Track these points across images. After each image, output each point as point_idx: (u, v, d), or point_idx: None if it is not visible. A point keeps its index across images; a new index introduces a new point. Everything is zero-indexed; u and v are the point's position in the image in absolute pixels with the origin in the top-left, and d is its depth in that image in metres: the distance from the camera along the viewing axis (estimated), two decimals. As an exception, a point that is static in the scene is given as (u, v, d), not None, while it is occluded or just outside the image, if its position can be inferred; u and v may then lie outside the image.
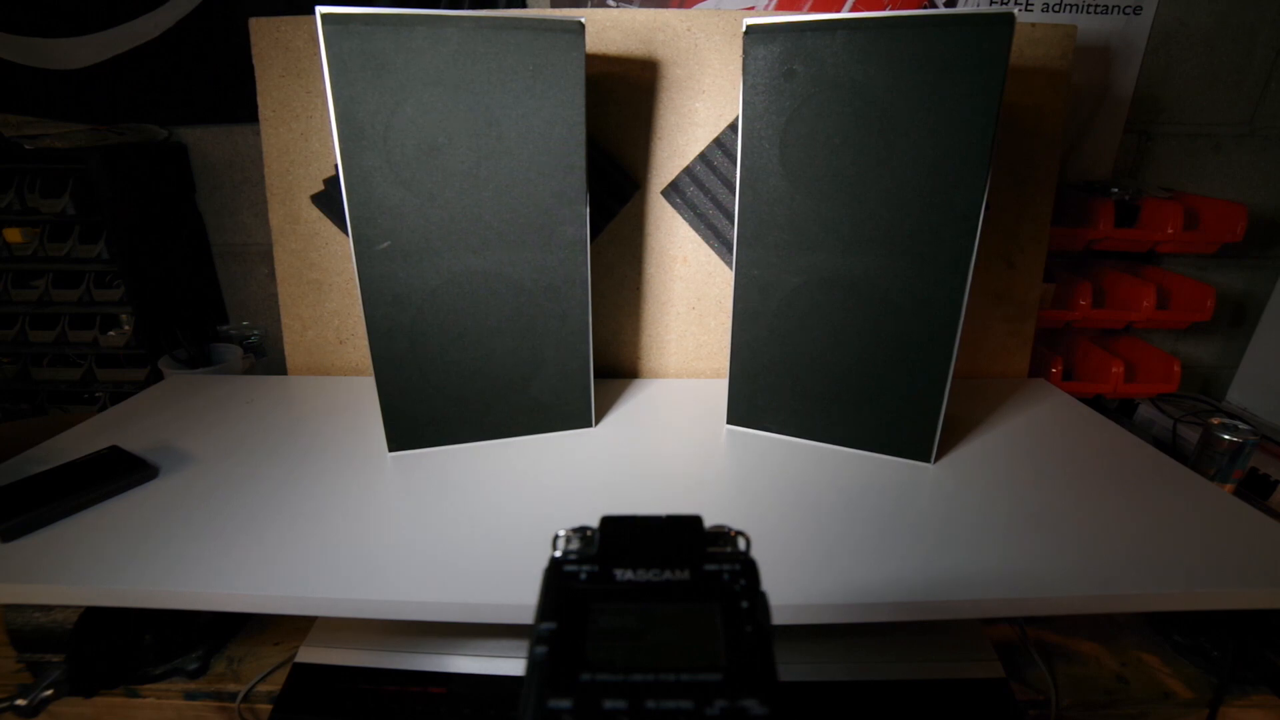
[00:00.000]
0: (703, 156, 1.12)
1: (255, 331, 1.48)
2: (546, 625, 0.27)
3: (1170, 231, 1.21)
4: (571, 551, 0.31)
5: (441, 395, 0.93)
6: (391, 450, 0.93)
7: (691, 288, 1.17)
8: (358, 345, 1.20)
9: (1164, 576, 0.69)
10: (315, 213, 1.14)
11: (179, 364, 1.30)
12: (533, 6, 1.34)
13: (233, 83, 1.35)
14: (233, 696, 0.76)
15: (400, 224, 0.84)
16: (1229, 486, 1.01)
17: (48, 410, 1.45)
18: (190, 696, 0.76)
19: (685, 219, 1.14)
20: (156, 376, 1.28)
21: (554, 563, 0.30)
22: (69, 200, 1.30)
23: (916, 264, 0.83)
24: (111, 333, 1.39)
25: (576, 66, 0.82)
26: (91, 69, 1.37)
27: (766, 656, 0.26)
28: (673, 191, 1.13)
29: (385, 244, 0.84)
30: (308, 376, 1.20)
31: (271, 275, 1.26)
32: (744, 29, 0.82)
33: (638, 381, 1.19)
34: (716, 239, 1.14)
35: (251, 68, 1.09)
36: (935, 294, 0.83)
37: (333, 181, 1.12)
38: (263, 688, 0.77)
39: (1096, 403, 1.27)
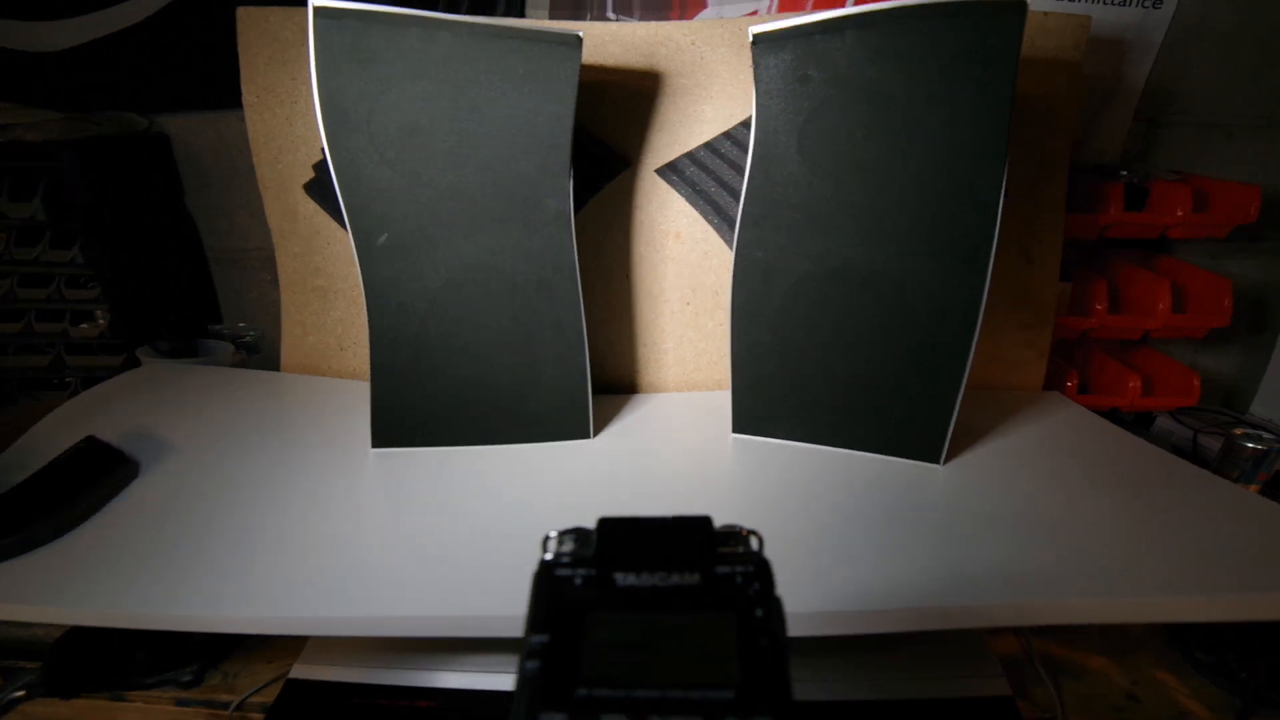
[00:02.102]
0: (708, 145, 1.07)
1: (251, 332, 1.45)
2: (538, 639, 0.24)
3: (1180, 214, 1.16)
4: (565, 554, 0.28)
5: (439, 406, 0.91)
6: (375, 446, 0.91)
7: (685, 276, 1.14)
8: (358, 353, 1.17)
9: (1184, 582, 0.66)
10: (312, 206, 1.11)
11: (160, 355, 1.26)
12: (530, 12, 1.31)
13: (216, 68, 1.28)
14: (225, 705, 0.74)
15: (392, 209, 0.83)
16: (1254, 487, 0.97)
17: (18, 399, 1.39)
18: (182, 704, 0.75)
19: (683, 195, 1.10)
20: (133, 364, 1.23)
21: (544, 566, 0.28)
22: (39, 205, 1.22)
23: (935, 256, 0.81)
24: (84, 325, 1.31)
25: (570, 79, 0.81)
26: (72, 51, 1.32)
27: (782, 673, 0.24)
28: (669, 170, 1.09)
29: (384, 236, 0.83)
30: (297, 375, 1.18)
31: (274, 282, 1.23)
32: (751, 38, 0.81)
33: (637, 397, 1.15)
34: (717, 215, 1.10)
35: (235, 53, 1.06)
36: (954, 286, 0.82)
37: (322, 166, 1.09)
38: (256, 699, 0.75)
39: (1113, 416, 1.24)
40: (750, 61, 0.83)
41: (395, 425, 0.91)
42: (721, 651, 0.24)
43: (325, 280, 1.14)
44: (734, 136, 1.07)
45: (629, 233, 1.13)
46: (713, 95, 1.06)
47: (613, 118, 1.08)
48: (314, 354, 1.18)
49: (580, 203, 1.09)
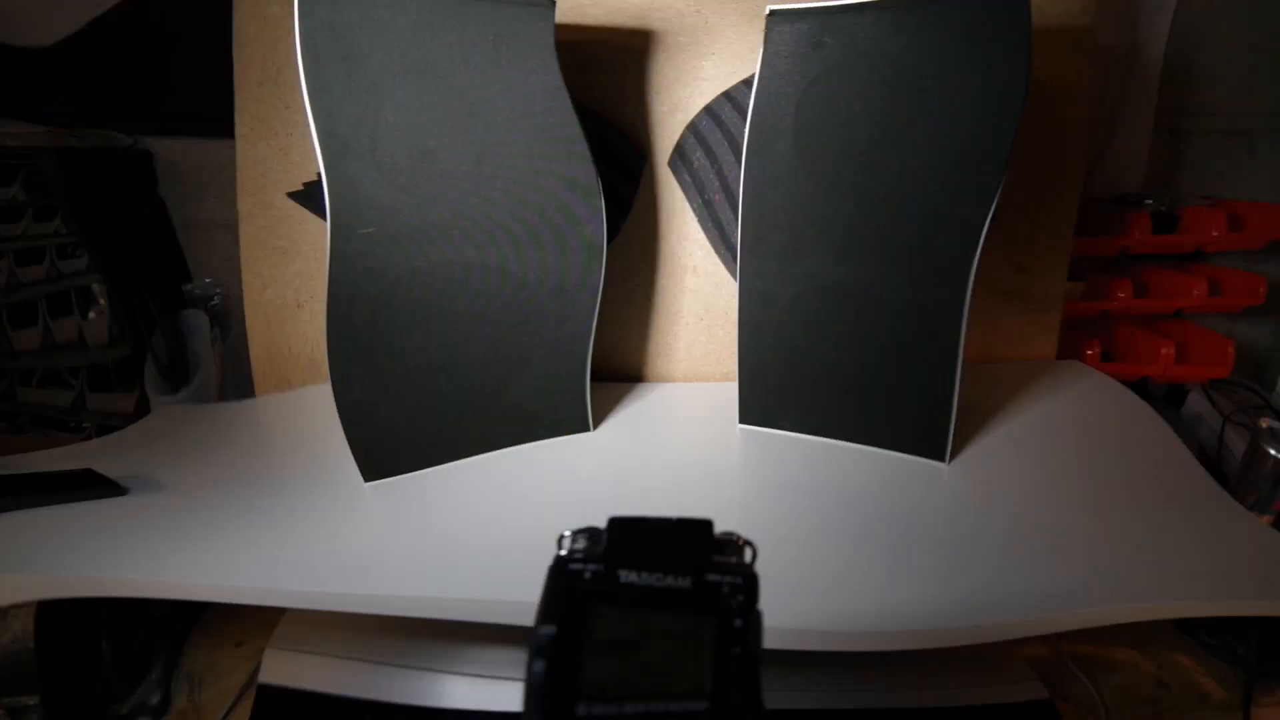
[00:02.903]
0: (709, 111, 1.05)
1: (218, 291, 1.41)
2: (546, 630, 0.27)
3: (1215, 235, 1.15)
4: (578, 550, 0.31)
5: (415, 402, 0.86)
6: (368, 480, 0.86)
7: (700, 298, 1.14)
8: (316, 310, 1.13)
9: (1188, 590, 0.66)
10: (289, 204, 1.10)
11: (160, 374, 1.26)
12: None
13: (205, 91, 1.24)
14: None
15: (398, 227, 0.80)
16: (1267, 518, 0.89)
17: (27, 432, 1.39)
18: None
19: (693, 208, 1.09)
20: (144, 402, 1.24)
21: (559, 561, 0.30)
22: (19, 188, 1.23)
23: (923, 261, 0.81)
24: (91, 315, 1.31)
25: (545, 39, 0.79)
26: (62, 45, 1.30)
27: (753, 683, 0.26)
28: (679, 162, 1.07)
29: (369, 229, 0.79)
30: (285, 394, 1.16)
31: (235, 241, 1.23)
32: (767, 12, 0.81)
33: (642, 385, 1.14)
34: (722, 243, 1.10)
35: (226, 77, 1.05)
36: (939, 288, 0.81)
37: (314, 185, 1.07)
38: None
39: (1142, 388, 1.19)
40: (760, 34, 0.83)
41: (378, 443, 0.85)
42: (699, 659, 0.26)
43: (286, 242, 1.12)
44: (734, 97, 1.04)
45: (654, 265, 1.13)
46: (714, 51, 1.04)
47: (609, 87, 1.06)
48: (273, 314, 1.16)
49: (614, 227, 1.08)
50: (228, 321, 1.41)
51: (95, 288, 1.31)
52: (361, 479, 0.85)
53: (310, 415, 1.07)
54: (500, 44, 0.78)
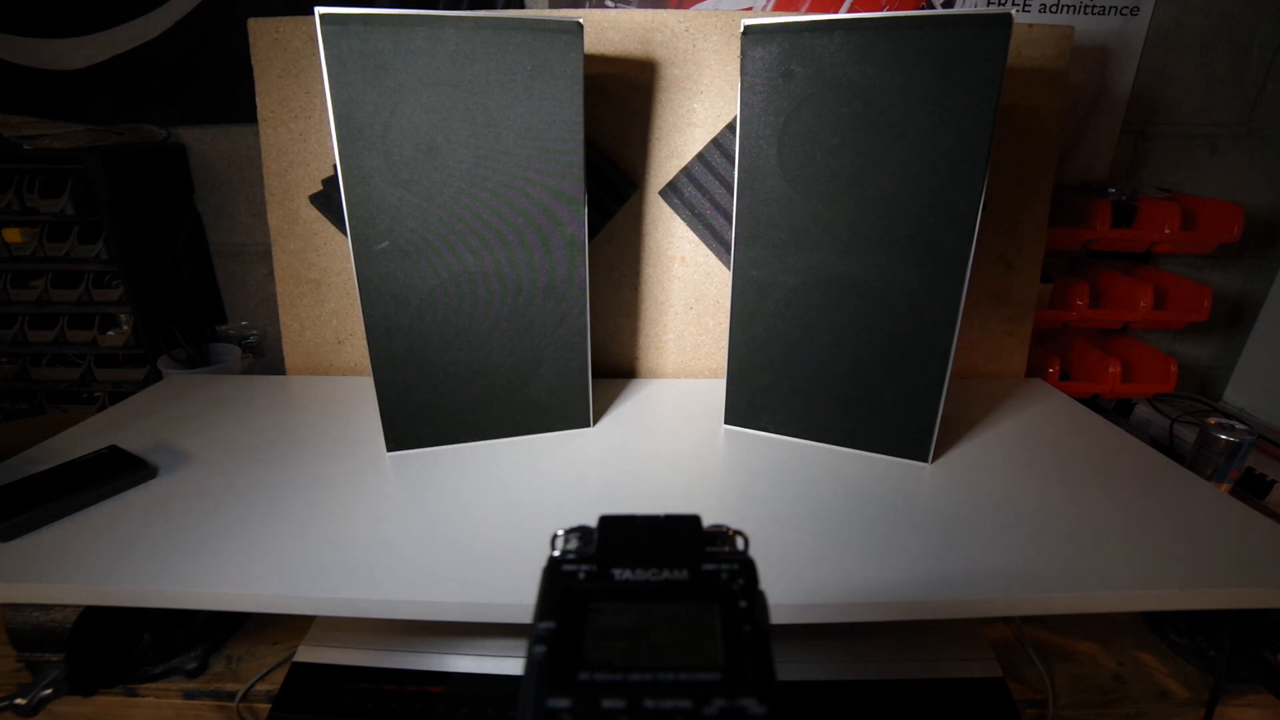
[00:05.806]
0: (701, 157, 1.12)
1: (254, 332, 1.48)
2: (545, 625, 0.27)
3: (1167, 232, 1.21)
4: (570, 551, 0.31)
5: (440, 395, 0.93)
6: (390, 450, 0.93)
7: (690, 288, 1.18)
8: (356, 345, 1.20)
9: (1160, 576, 0.69)
10: (314, 213, 1.14)
11: (177, 364, 1.30)
12: (531, 7, 1.34)
13: (232, 83, 1.35)
14: (231, 696, 0.76)
15: (399, 224, 0.84)
16: (1225, 486, 1.01)
17: (47, 410, 1.45)
18: (189, 696, 0.77)
19: (683, 219, 1.14)
20: (155, 377, 1.28)
21: (552, 562, 0.30)
22: (68, 200, 1.29)
23: (914, 264, 0.83)
24: (110, 332, 1.39)
25: (575, 66, 0.82)
26: (91, 69, 1.37)
27: (764, 656, 0.25)
28: (671, 192, 1.13)
29: (384, 244, 0.83)
30: (307, 376, 1.20)
31: (270, 275, 1.26)
32: (742, 29, 0.82)
33: (635, 381, 1.19)
34: (715, 239, 1.14)
35: (250, 68, 1.09)
36: (933, 294, 0.83)
37: (331, 182, 1.13)
38: (261, 687, 0.77)
39: (1093, 403, 1.28)
40: (738, 53, 0.85)
41: (406, 426, 0.93)
42: (708, 640, 0.26)
43: (318, 274, 1.17)
44: (721, 144, 1.11)
45: (638, 257, 1.17)
46: (702, 89, 1.10)
47: (615, 122, 1.11)
48: (314, 350, 1.21)
49: (595, 229, 1.13)
50: (262, 349, 1.46)
51: (122, 317, 1.37)
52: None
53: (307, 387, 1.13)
54: (536, 74, 0.82)
